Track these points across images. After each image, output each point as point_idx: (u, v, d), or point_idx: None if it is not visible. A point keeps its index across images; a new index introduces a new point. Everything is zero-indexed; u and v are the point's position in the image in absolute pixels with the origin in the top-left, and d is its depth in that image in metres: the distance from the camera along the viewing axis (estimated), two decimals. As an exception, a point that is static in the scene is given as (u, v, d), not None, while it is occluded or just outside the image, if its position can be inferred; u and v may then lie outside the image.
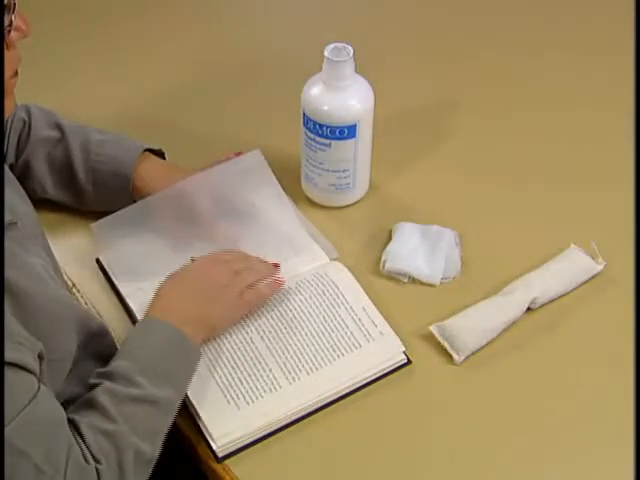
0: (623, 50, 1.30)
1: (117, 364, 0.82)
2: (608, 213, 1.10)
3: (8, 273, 0.72)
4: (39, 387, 0.72)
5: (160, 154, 1.09)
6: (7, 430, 0.68)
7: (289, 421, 0.88)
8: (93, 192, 1.05)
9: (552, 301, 0.99)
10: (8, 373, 0.68)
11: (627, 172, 1.10)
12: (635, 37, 1.25)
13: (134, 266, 1.01)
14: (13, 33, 0.72)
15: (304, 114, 1.04)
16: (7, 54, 0.73)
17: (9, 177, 0.90)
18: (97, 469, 0.74)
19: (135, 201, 1.04)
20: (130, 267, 1.02)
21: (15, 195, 0.87)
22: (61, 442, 0.73)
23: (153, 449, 0.80)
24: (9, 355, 0.69)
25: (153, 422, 0.81)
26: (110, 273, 1.02)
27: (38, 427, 0.71)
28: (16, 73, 0.76)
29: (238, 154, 1.11)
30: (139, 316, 0.96)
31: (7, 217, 0.76)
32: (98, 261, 1.04)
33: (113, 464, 0.76)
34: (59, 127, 1.05)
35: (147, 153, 1.06)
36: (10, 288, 0.72)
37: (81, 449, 0.74)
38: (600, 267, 1.02)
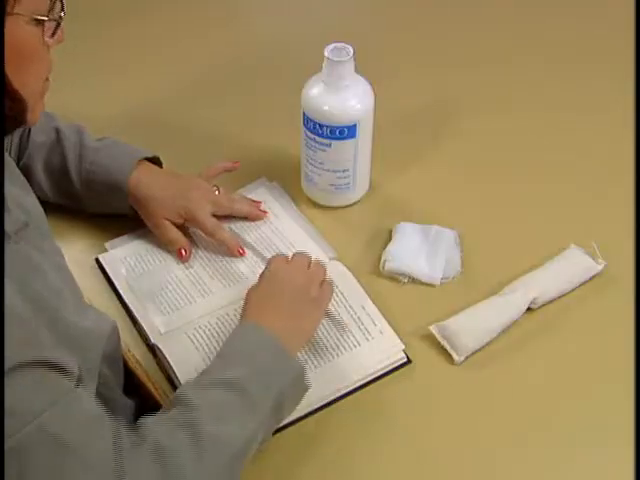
0: (623, 52, 1.30)
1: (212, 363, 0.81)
2: (608, 213, 1.10)
3: (34, 285, 0.69)
4: (76, 387, 0.68)
5: (157, 161, 1.08)
6: (46, 418, 0.64)
7: (289, 421, 0.87)
8: (89, 200, 1.05)
9: (552, 301, 0.99)
10: (44, 371, 0.65)
11: (627, 172, 1.11)
12: (635, 39, 1.25)
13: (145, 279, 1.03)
14: (51, 40, 0.71)
15: (304, 114, 1.04)
16: (45, 59, 0.72)
17: (15, 172, 0.89)
18: (159, 450, 0.69)
19: (132, 208, 1.04)
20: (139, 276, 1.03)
21: (21, 191, 0.85)
22: (107, 432, 0.68)
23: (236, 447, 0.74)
24: (45, 355, 0.65)
25: (235, 411, 0.76)
26: (110, 274, 1.03)
27: (80, 420, 0.67)
28: (47, 79, 0.75)
29: (235, 163, 1.11)
30: (143, 322, 0.97)
31: (20, 218, 0.75)
32: (98, 261, 1.05)
33: (186, 447, 0.71)
34: (57, 132, 1.05)
35: (142, 161, 1.04)
36: (40, 304, 0.69)
37: (134, 435, 0.70)
38: (600, 267, 1.01)
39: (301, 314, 0.89)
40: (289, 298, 0.89)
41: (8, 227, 0.71)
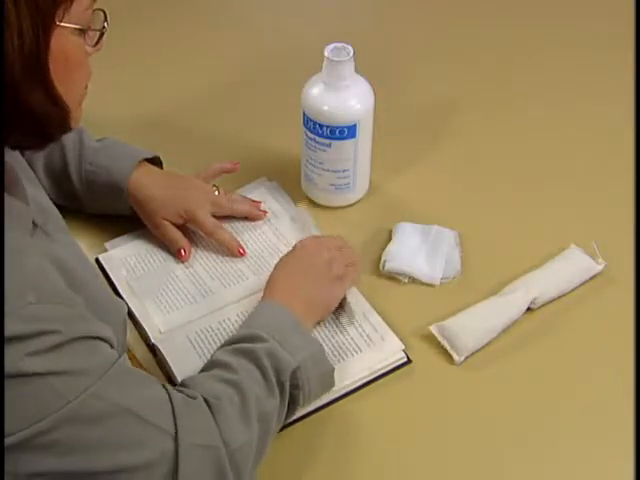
0: (623, 50, 1.30)
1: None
2: (608, 213, 1.10)
3: (69, 270, 0.72)
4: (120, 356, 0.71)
5: (157, 161, 1.08)
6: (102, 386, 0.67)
7: (288, 421, 0.87)
8: (90, 200, 1.06)
9: (552, 301, 0.99)
10: (92, 343, 0.68)
11: (627, 172, 1.11)
12: (635, 36, 1.26)
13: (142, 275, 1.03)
14: (92, 49, 0.73)
15: (304, 114, 1.04)
16: (87, 67, 0.74)
17: (29, 171, 0.89)
18: (210, 402, 0.74)
19: (132, 208, 1.04)
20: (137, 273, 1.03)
21: (35, 189, 0.85)
22: (159, 388, 0.73)
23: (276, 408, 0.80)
24: (95, 329, 0.69)
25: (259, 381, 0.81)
26: (111, 274, 1.03)
27: (134, 381, 0.71)
28: (86, 86, 0.76)
29: (235, 164, 1.11)
30: (143, 322, 0.97)
31: (39, 213, 0.77)
32: (98, 261, 1.04)
33: (235, 402, 0.76)
34: None
35: (142, 161, 1.05)
36: (77, 286, 0.72)
37: (186, 394, 0.74)
38: (600, 267, 1.01)
39: (322, 289, 0.93)
40: (312, 272, 0.93)
41: (35, 219, 0.74)
